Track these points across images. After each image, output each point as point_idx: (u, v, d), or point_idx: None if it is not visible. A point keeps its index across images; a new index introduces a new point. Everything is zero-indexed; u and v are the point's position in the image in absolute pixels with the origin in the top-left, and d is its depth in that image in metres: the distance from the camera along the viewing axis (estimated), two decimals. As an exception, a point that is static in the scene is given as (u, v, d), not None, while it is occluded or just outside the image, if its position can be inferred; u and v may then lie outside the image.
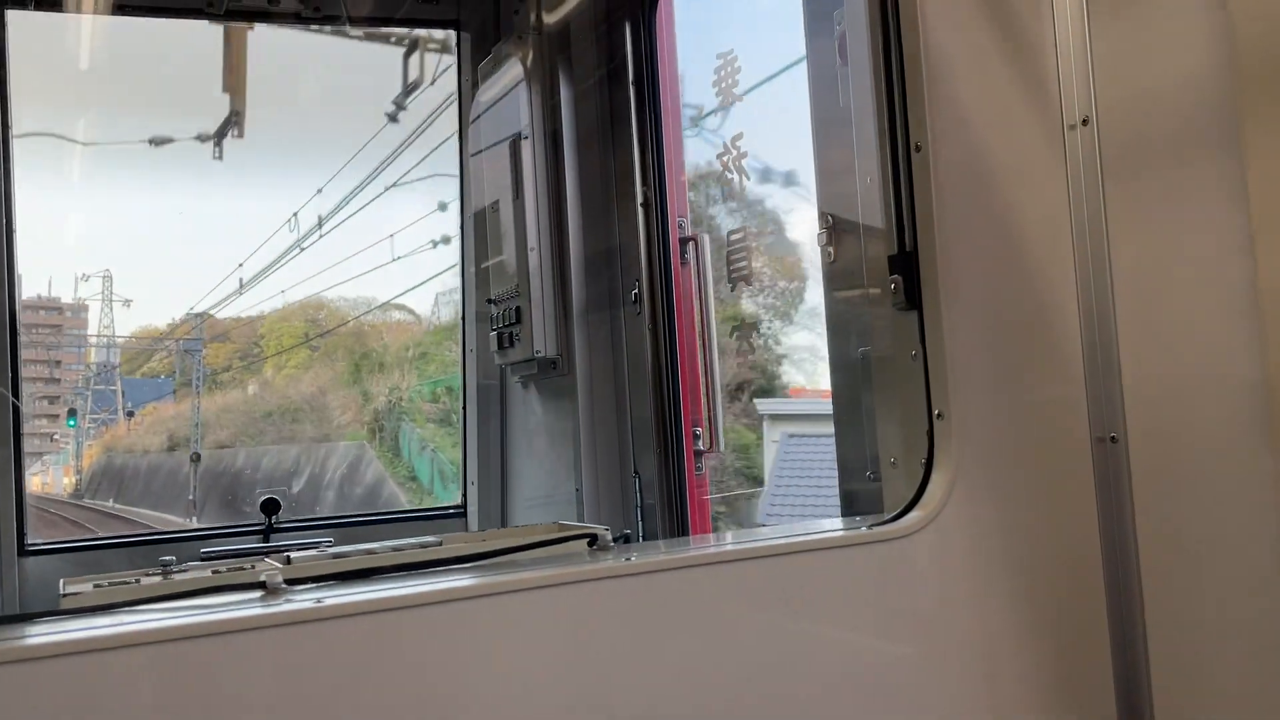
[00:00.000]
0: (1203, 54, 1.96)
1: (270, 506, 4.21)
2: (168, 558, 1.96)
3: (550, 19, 4.10)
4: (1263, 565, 1.88)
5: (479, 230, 4.46)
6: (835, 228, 2.86)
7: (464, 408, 4.64)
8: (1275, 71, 1.85)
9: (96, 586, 1.85)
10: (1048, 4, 2.22)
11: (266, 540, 4.15)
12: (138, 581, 1.90)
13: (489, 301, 4.33)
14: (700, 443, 3.81)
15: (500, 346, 4.24)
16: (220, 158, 5.21)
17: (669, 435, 3.83)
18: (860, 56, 2.39)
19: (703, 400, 3.81)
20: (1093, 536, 2.10)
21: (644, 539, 3.79)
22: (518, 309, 4.09)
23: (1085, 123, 2.15)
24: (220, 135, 5.10)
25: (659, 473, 3.82)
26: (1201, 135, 1.98)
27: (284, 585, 1.63)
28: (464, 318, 4.62)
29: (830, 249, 2.89)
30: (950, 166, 2.11)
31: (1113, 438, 2.09)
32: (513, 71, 4.16)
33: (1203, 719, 1.97)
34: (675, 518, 3.78)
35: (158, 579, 1.91)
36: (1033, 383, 2.15)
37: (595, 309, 4.05)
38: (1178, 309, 2.02)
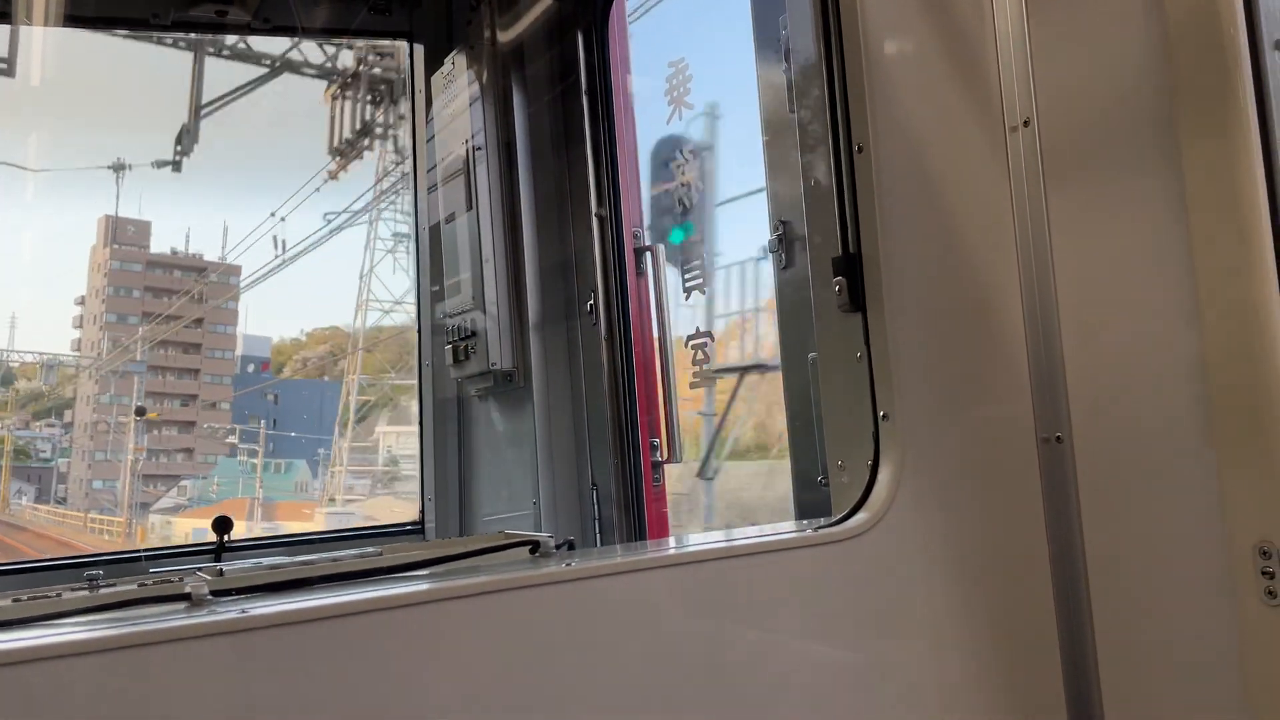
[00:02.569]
0: (1140, 56, 1.97)
1: (222, 525, 4.11)
2: (94, 572, 1.91)
3: (503, 30, 4.08)
4: (1207, 562, 1.88)
5: (434, 244, 4.42)
6: (786, 232, 2.86)
7: (420, 422, 4.59)
8: (1210, 74, 1.86)
9: (15, 601, 1.79)
10: (988, 6, 2.23)
11: (218, 560, 4.06)
12: (59, 596, 1.84)
13: (445, 315, 4.29)
14: (658, 453, 3.79)
15: (456, 360, 4.20)
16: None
17: (626, 446, 3.80)
18: (804, 60, 2.39)
19: (660, 411, 3.79)
20: (1039, 536, 2.09)
21: (602, 551, 3.76)
22: (473, 322, 4.05)
23: (1026, 124, 2.16)
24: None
25: (616, 484, 3.79)
26: (1140, 137, 1.99)
27: (210, 596, 1.58)
28: (419, 331, 4.57)
29: (781, 253, 2.90)
30: (893, 168, 2.11)
31: (1058, 438, 2.09)
32: (466, 83, 4.14)
33: (1151, 714, 1.96)
34: (633, 528, 3.75)
35: (82, 594, 1.86)
36: (977, 383, 2.14)
37: (551, 321, 4.02)
38: (1120, 308, 2.03)
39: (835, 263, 2.17)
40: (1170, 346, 1.93)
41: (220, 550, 4.03)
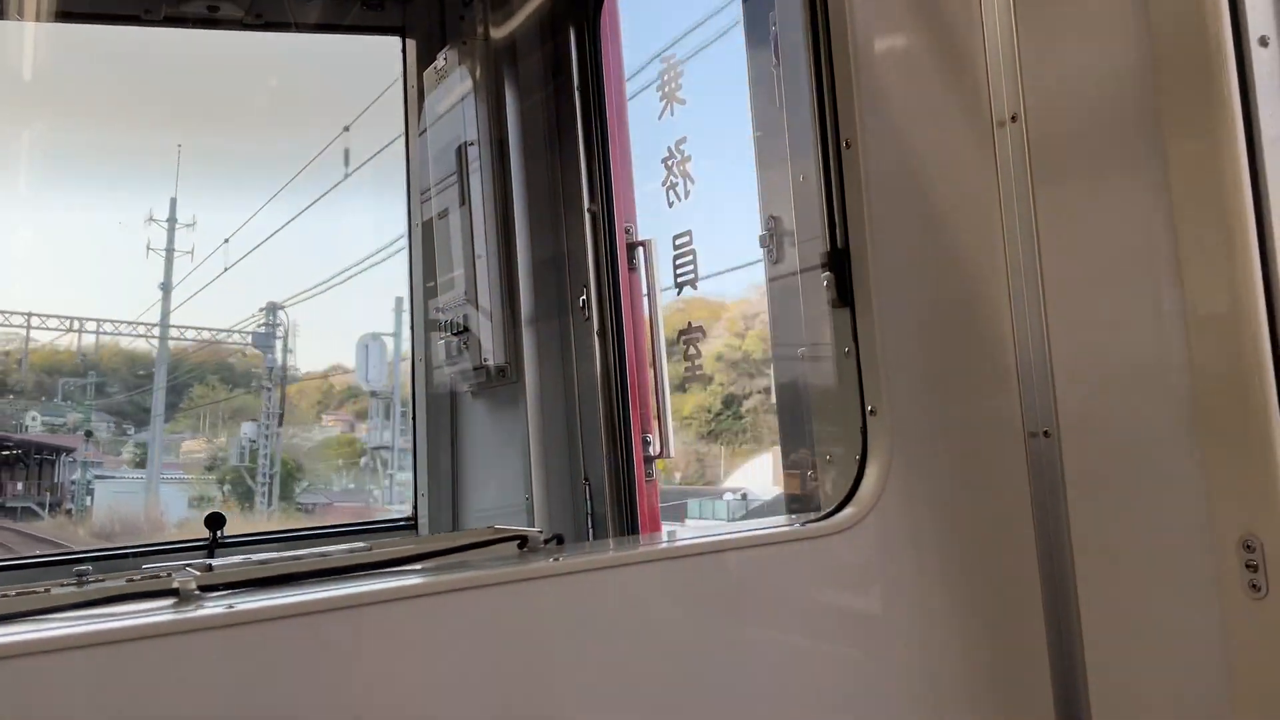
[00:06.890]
0: (1126, 52, 1.98)
1: (215, 521, 4.11)
2: (84, 568, 1.91)
3: (495, 25, 4.08)
4: (1193, 555, 1.89)
5: (427, 239, 4.42)
6: (776, 228, 2.86)
7: (414, 418, 4.59)
8: (1196, 69, 1.86)
9: (4, 596, 1.79)
10: (976, 1, 2.23)
11: (210, 556, 4.05)
12: (47, 591, 1.84)
13: (437, 311, 4.29)
14: (650, 448, 3.79)
15: (449, 356, 4.20)
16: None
17: (619, 441, 3.81)
18: (793, 55, 2.40)
19: (652, 405, 3.79)
20: (1027, 531, 2.10)
21: (594, 546, 3.76)
22: (465, 317, 4.05)
23: (1014, 119, 2.16)
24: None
25: (609, 479, 3.79)
26: (1126, 132, 2.00)
27: (198, 592, 1.58)
28: (413, 327, 4.57)
29: (772, 248, 2.90)
30: (880, 162, 2.11)
31: (1045, 432, 2.10)
32: (458, 78, 4.13)
33: (1137, 705, 1.97)
34: (626, 524, 3.75)
35: (70, 589, 1.86)
36: (965, 378, 2.15)
37: (544, 316, 4.02)
38: (1106, 303, 2.03)
39: (824, 258, 2.17)
40: (1156, 341, 1.94)
41: (213, 546, 4.03)
